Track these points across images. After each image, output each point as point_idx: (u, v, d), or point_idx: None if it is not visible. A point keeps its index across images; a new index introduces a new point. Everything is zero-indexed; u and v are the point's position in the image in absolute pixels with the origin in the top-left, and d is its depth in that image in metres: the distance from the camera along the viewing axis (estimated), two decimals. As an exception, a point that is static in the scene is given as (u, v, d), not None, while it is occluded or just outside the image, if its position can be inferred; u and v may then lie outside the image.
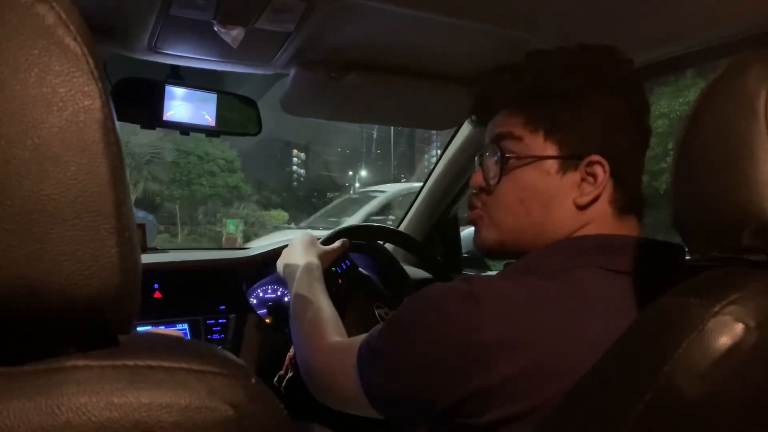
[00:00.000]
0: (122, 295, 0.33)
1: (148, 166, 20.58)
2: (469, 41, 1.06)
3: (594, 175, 0.65)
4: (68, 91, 0.30)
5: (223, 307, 1.30)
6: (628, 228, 0.67)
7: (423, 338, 0.59)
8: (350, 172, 39.02)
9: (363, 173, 38.19)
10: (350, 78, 1.14)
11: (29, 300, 0.30)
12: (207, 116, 1.13)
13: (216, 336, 1.26)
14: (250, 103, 1.18)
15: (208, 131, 1.15)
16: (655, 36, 0.65)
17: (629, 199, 0.67)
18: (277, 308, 1.35)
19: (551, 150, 0.66)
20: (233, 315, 1.30)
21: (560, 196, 0.66)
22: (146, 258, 1.30)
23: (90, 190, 0.31)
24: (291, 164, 39.39)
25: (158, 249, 1.44)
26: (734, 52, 0.91)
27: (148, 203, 21.64)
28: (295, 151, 39.66)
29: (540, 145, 0.67)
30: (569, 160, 0.65)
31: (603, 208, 0.66)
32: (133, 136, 17.44)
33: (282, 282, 1.32)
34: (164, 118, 1.09)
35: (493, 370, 0.54)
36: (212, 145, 22.33)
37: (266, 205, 28.64)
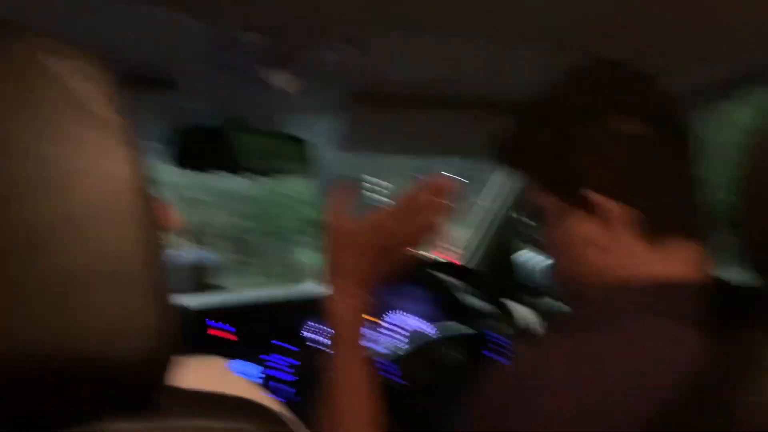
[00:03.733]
0: (158, 356, 0.33)
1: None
2: (512, 65, 1.02)
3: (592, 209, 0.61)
4: (101, 160, 0.32)
5: (294, 346, 1.28)
6: (673, 260, 0.59)
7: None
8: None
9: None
10: (406, 111, 1.14)
11: (62, 365, 0.31)
12: (271, 159, 1.16)
13: (288, 377, 1.25)
14: (303, 143, 1.20)
15: (268, 173, 1.17)
16: (689, 57, 0.59)
17: (662, 217, 0.59)
18: None
19: (553, 198, 0.64)
20: (305, 353, 1.28)
21: (578, 238, 0.63)
22: (213, 298, 1.34)
23: (121, 255, 0.31)
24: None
25: (222, 287, 1.47)
26: None
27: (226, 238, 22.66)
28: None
29: (545, 196, 0.65)
30: (569, 202, 0.62)
31: (622, 238, 0.60)
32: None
33: None
34: (227, 164, 1.12)
35: None
36: (291, 180, 23.16)
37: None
